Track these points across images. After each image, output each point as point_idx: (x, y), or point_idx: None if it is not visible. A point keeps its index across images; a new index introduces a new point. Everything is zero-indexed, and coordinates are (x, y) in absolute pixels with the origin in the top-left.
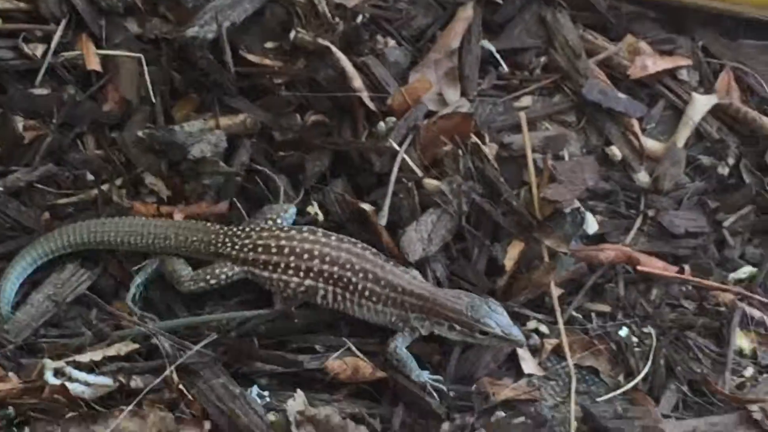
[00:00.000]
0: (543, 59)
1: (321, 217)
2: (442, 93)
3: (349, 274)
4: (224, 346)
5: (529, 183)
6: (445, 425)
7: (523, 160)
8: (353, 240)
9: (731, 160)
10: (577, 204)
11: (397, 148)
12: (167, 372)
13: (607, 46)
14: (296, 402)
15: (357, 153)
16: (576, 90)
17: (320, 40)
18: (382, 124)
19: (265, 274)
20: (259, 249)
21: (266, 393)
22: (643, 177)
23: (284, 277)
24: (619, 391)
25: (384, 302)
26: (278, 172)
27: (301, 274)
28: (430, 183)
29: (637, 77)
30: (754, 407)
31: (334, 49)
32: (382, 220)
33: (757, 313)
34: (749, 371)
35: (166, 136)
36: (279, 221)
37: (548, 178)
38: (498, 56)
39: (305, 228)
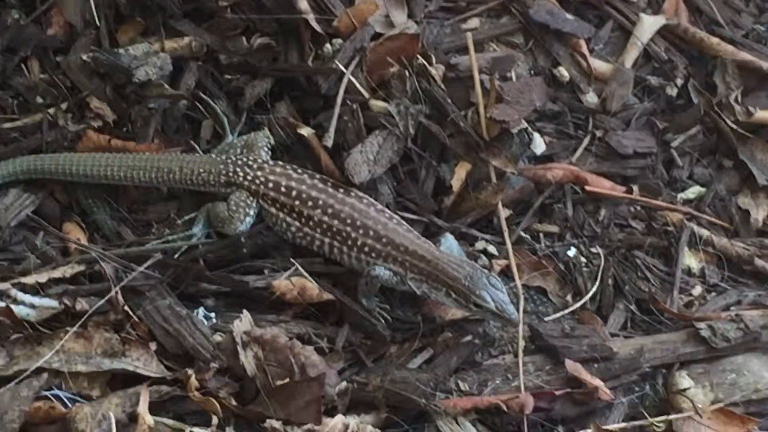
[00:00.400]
0: None
1: (272, 140)
2: (389, 15)
3: (348, 228)
4: (171, 268)
5: (476, 104)
6: (393, 348)
7: (470, 81)
8: (360, 194)
9: (679, 81)
10: (524, 124)
11: (344, 69)
12: (111, 293)
13: None
14: (242, 323)
15: (303, 76)
16: (524, 11)
17: None
18: (328, 46)
19: (272, 210)
20: (270, 185)
21: (213, 314)
22: (591, 98)
23: (288, 219)
24: (567, 311)
25: (384, 259)
26: (225, 96)
27: (302, 220)
28: (377, 104)
29: None
30: (701, 325)
31: None
32: (328, 142)
33: (705, 232)
34: (697, 290)
35: (111, 59)
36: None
37: (495, 99)
38: None
39: (318, 175)
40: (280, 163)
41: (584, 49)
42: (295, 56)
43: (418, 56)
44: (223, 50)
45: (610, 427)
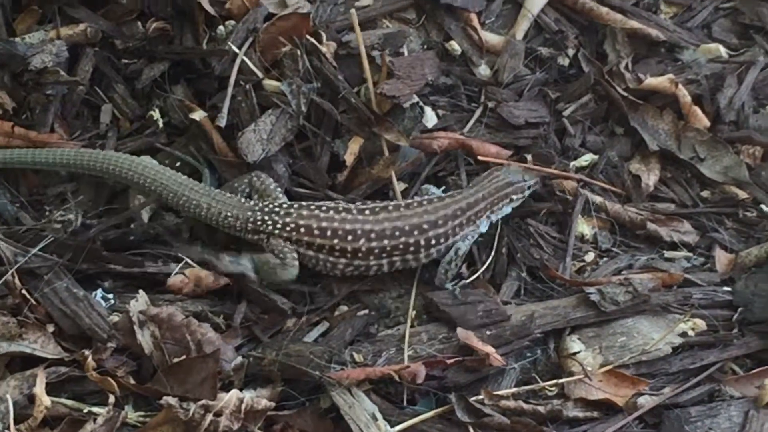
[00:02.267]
0: None
1: (161, 123)
2: None
3: (404, 239)
4: (68, 249)
5: (367, 80)
6: (290, 321)
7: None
8: (383, 204)
9: (571, 51)
10: (415, 98)
11: (236, 51)
12: (7, 276)
13: None
14: (138, 302)
15: (198, 58)
16: None
17: None
18: (221, 28)
19: (311, 253)
20: (302, 230)
21: (111, 296)
22: (483, 70)
23: (331, 259)
24: (462, 282)
25: (451, 235)
26: (123, 80)
27: (349, 255)
28: (270, 84)
29: None
30: (591, 289)
31: None
32: (221, 123)
33: (598, 199)
34: (590, 256)
35: (6, 48)
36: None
37: (386, 75)
38: None
39: (342, 204)
40: (303, 204)
41: (475, 22)
42: (190, 39)
43: (309, 35)
44: (119, 35)
45: (502, 392)
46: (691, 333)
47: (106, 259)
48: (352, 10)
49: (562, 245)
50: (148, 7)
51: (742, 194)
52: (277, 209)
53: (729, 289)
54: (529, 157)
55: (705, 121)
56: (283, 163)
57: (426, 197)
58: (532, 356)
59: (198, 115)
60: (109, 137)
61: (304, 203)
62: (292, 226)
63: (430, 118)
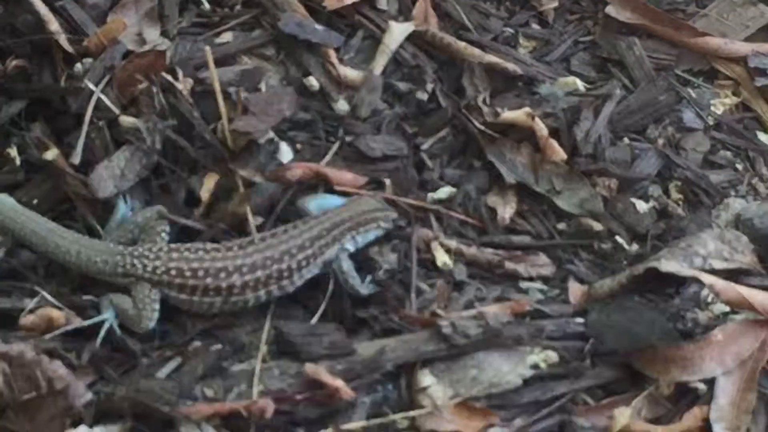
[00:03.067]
0: None
1: (18, 160)
2: (141, 33)
3: (277, 265)
4: None
5: (221, 117)
6: (144, 359)
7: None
8: (248, 238)
9: (429, 85)
10: (270, 134)
11: (93, 88)
12: None
13: None
14: None
15: (56, 96)
16: (274, 23)
17: None
18: (78, 65)
19: (184, 296)
20: (173, 272)
21: None
22: (342, 105)
23: (206, 299)
24: (314, 319)
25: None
26: None
27: (224, 293)
28: (126, 120)
29: (334, 8)
30: (443, 322)
31: None
32: (75, 160)
33: (453, 244)
34: (442, 287)
35: None
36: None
37: (241, 111)
38: None
39: (211, 245)
40: (173, 246)
41: (333, 58)
42: (48, 77)
43: (165, 72)
44: None
45: (351, 426)
46: (542, 365)
47: None
48: (207, 47)
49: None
50: (7, 45)
51: (598, 226)
52: (146, 253)
53: (582, 320)
54: (387, 182)
55: (562, 154)
56: (138, 199)
57: (289, 225)
58: (383, 390)
59: (51, 154)
60: None
61: (174, 246)
62: (163, 269)
63: (285, 153)
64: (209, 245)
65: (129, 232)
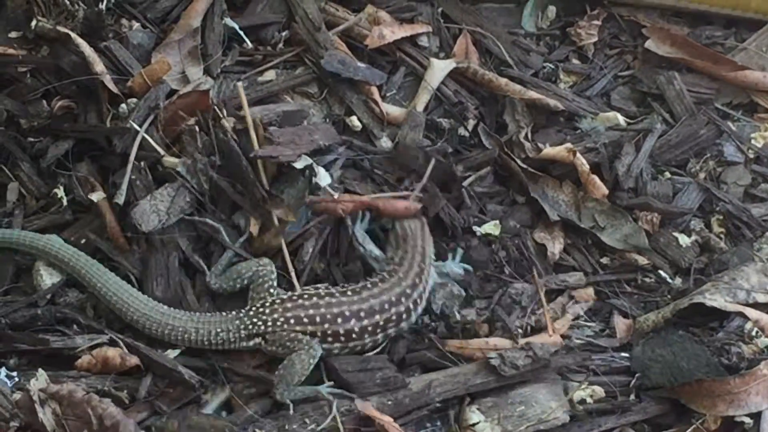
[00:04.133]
0: (285, 33)
1: (65, 200)
2: (185, 72)
3: (386, 315)
4: None
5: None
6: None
7: (264, 132)
8: (360, 284)
9: (471, 122)
10: (308, 160)
11: (137, 128)
12: None
13: (348, 16)
14: (38, 380)
15: (102, 136)
16: (316, 62)
17: (60, 28)
18: (123, 106)
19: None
20: (292, 321)
21: (14, 373)
22: (384, 142)
23: (325, 346)
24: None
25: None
26: (29, 158)
27: (343, 338)
28: (169, 160)
29: (375, 46)
30: (492, 354)
31: (73, 35)
32: (120, 200)
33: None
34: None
35: None
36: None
37: (266, 141)
38: (241, 33)
39: (322, 290)
40: (284, 296)
41: (376, 95)
42: (94, 117)
43: (208, 111)
44: (25, 114)
45: None
46: (589, 400)
47: (11, 338)
48: (240, 84)
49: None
50: (53, 86)
51: (642, 260)
52: (261, 309)
53: (627, 354)
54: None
55: (603, 189)
56: (185, 235)
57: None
58: (431, 426)
59: (96, 196)
60: (15, 215)
61: (284, 295)
62: (282, 320)
63: (323, 177)
64: (323, 290)
65: (234, 282)
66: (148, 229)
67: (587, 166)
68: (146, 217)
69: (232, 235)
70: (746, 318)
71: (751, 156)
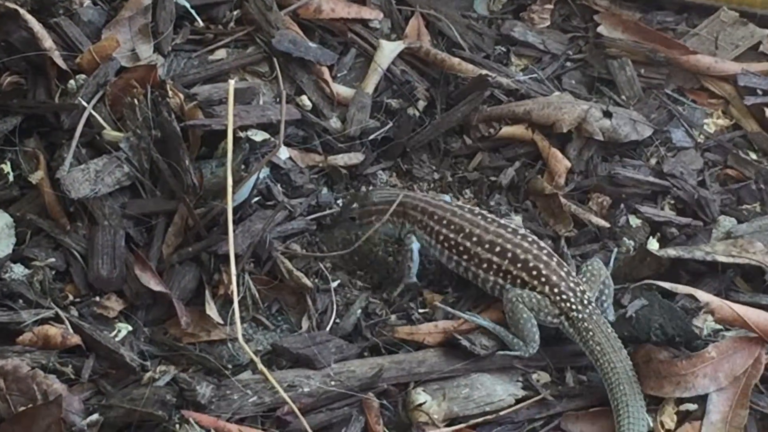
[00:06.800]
0: (236, 12)
1: (12, 176)
2: (135, 49)
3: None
4: None
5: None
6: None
7: (209, 110)
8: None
9: (422, 102)
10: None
11: (85, 104)
12: None
13: None
14: None
15: (51, 112)
16: (268, 41)
17: (9, 3)
18: (72, 82)
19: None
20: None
21: None
22: (334, 122)
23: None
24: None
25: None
26: None
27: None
28: (111, 134)
29: (309, 18)
30: (459, 336)
31: (22, 11)
32: (63, 174)
33: None
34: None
35: None
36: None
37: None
38: (193, 11)
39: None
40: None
41: (327, 75)
42: (43, 93)
43: (155, 88)
44: None
45: None
46: (535, 384)
47: None
48: (231, 81)
49: None
50: (2, 62)
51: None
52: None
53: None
54: None
55: (566, 162)
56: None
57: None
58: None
59: (36, 177)
60: None
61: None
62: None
63: (282, 151)
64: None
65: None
66: (77, 197)
67: (547, 141)
68: (77, 185)
69: None
70: (696, 300)
71: (702, 141)
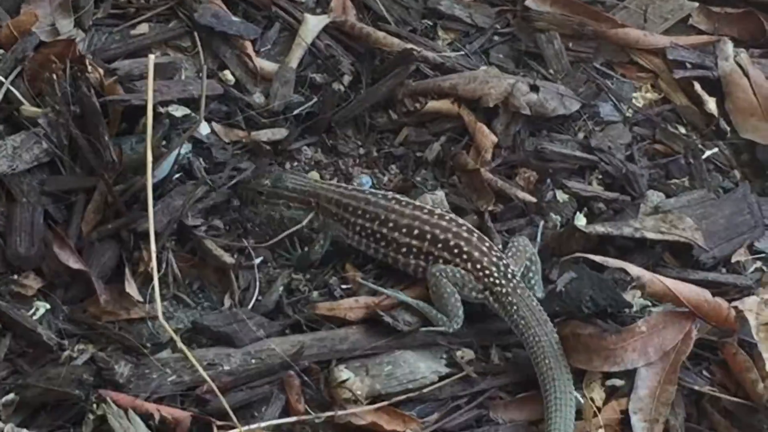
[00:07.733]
0: None
1: None
2: (55, 24)
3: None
4: None
5: None
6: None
7: (130, 85)
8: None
9: (347, 77)
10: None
11: (2, 80)
12: None
13: None
14: None
15: None
16: (190, 15)
17: None
18: None
19: None
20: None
21: None
22: (258, 98)
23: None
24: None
25: None
26: None
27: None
28: (29, 110)
29: None
30: (383, 313)
31: None
32: None
33: None
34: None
35: None
36: None
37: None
38: None
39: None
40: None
41: (250, 50)
42: None
43: (74, 62)
44: None
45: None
46: (460, 361)
47: None
48: (151, 56)
49: None
50: None
51: None
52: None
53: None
54: None
55: (493, 137)
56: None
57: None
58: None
59: None
60: None
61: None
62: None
63: (203, 127)
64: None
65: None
66: None
67: (473, 115)
68: None
69: None
70: (626, 274)
71: (630, 115)
